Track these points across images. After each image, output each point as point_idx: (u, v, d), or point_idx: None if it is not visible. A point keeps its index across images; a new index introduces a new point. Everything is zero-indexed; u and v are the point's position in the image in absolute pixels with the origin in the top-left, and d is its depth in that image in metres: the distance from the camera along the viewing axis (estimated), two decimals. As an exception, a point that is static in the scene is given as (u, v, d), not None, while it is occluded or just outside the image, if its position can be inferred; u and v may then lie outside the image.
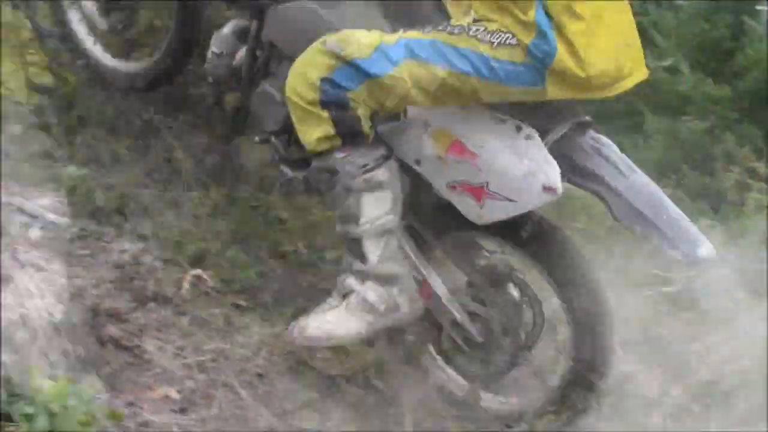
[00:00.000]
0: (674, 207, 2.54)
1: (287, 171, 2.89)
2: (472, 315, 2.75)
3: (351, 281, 2.61)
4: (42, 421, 1.88)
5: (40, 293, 2.17)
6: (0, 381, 1.93)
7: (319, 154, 2.56)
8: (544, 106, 2.50)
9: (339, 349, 2.79)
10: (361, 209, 2.53)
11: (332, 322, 2.62)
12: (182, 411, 2.35)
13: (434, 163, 2.60)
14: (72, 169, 3.18)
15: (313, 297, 3.04)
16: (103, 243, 2.88)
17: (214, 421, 2.36)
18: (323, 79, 2.47)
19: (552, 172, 2.44)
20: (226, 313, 2.77)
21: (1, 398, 1.91)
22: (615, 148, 2.59)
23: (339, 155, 2.53)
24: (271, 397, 2.53)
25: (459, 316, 2.74)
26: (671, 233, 2.47)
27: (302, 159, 2.77)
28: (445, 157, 2.57)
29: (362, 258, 2.58)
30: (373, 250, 2.57)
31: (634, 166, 2.56)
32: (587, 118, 2.61)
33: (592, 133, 2.59)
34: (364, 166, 2.52)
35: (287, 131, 2.77)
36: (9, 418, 1.90)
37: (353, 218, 2.55)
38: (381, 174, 2.54)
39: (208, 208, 3.18)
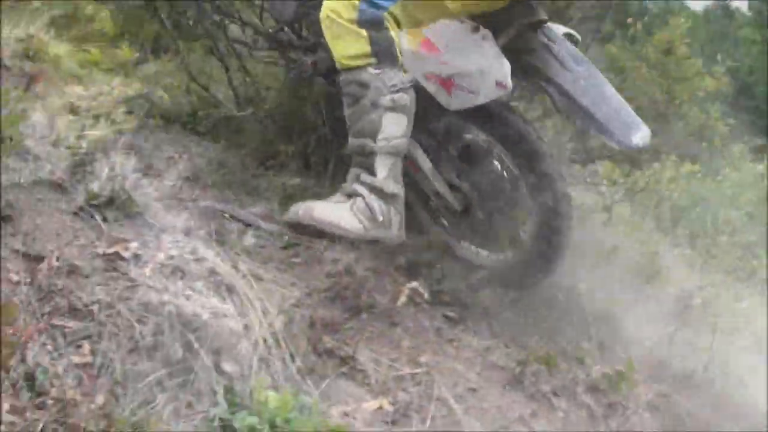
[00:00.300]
0: (618, 98, 2.71)
1: (300, 56, 3.23)
2: (453, 187, 3.00)
3: (359, 187, 2.76)
4: (265, 433, 1.89)
5: (261, 303, 2.20)
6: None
7: (349, 69, 2.70)
8: (499, 9, 2.76)
9: (549, 361, 2.73)
10: (381, 126, 2.70)
11: (337, 213, 2.79)
12: (394, 423, 2.32)
13: (411, 57, 2.82)
14: (285, 178, 3.25)
15: (522, 310, 3.00)
16: (315, 252, 2.91)
17: (427, 434, 2.34)
18: None
19: (503, 70, 2.70)
20: (436, 326, 2.75)
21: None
22: (567, 43, 2.80)
23: (373, 71, 2.68)
24: (484, 412, 2.46)
25: (440, 187, 2.98)
26: (608, 122, 2.64)
27: (313, 44, 3.15)
28: (419, 52, 2.81)
29: (371, 171, 2.74)
30: (382, 167, 2.75)
31: (583, 59, 2.76)
32: (542, 17, 2.80)
33: (545, 30, 2.80)
34: (394, 86, 2.68)
35: (299, 21, 3.21)
36: (229, 428, 1.93)
37: (372, 133, 2.72)
38: (406, 98, 2.70)
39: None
